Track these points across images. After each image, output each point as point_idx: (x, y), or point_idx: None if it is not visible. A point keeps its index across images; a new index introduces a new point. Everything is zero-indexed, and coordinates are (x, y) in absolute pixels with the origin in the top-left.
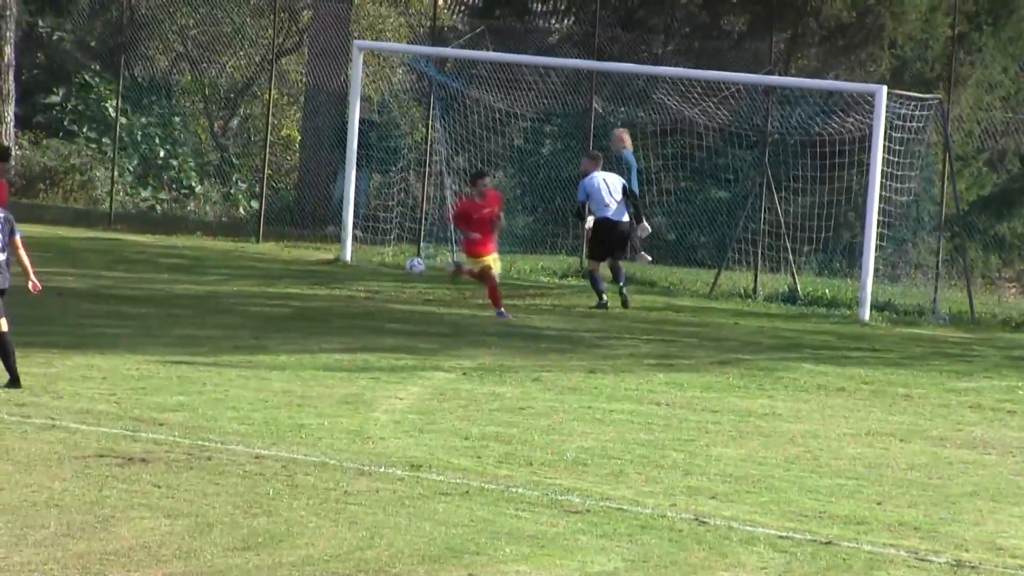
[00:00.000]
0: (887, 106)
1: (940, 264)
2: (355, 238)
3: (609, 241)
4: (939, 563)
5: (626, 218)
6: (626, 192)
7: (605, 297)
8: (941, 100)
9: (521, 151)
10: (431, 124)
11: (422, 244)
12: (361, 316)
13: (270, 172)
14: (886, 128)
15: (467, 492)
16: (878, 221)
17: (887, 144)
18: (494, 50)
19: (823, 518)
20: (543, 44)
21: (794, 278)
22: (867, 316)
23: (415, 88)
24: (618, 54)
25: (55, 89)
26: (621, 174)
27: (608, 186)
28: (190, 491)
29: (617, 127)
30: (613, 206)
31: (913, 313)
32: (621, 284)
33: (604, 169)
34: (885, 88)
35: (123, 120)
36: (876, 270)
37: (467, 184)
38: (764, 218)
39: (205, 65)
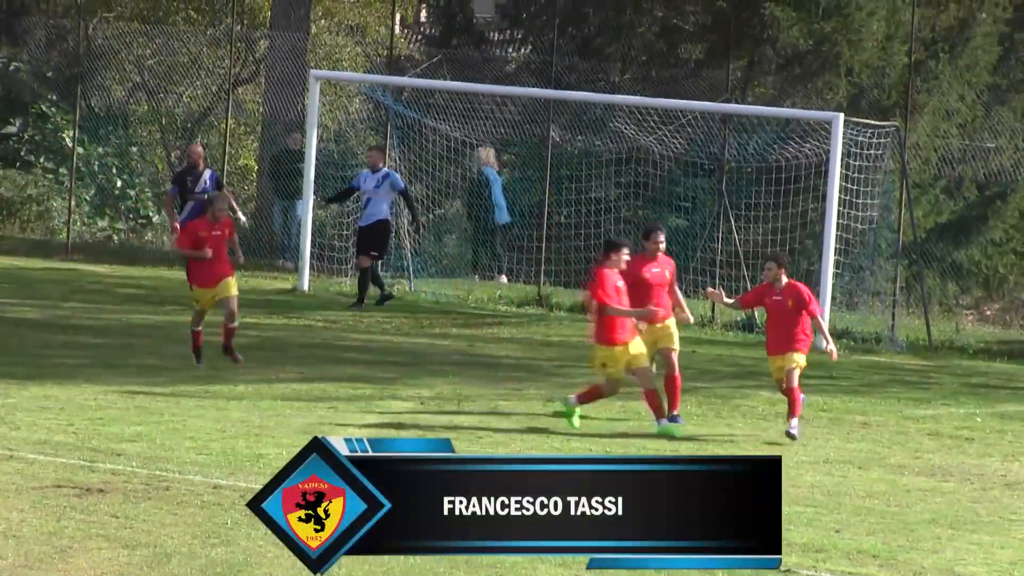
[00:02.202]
0: (844, 133)
1: (898, 291)
2: (290, 268)
3: (380, 239)
4: None
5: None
6: (402, 193)
7: (388, 289)
8: (898, 127)
9: (478, 180)
10: (388, 153)
11: (380, 272)
12: (319, 346)
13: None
14: (843, 156)
15: None
16: (836, 248)
17: (844, 172)
18: (451, 79)
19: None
20: (500, 73)
21: None
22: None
23: (372, 117)
24: (575, 82)
25: (11, 120)
26: (482, 188)
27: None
28: (148, 521)
29: (484, 146)
30: (383, 204)
31: (871, 340)
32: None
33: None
34: (842, 116)
35: (80, 150)
36: (833, 297)
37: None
38: (721, 246)
39: (162, 95)
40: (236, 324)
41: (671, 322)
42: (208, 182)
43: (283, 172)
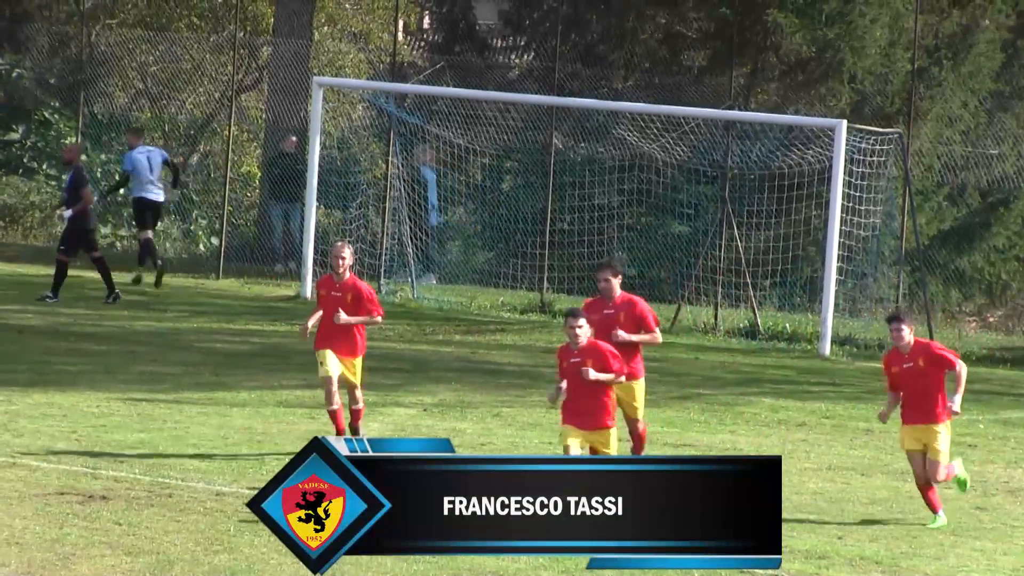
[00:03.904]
0: (847, 140)
1: (900, 298)
2: (281, 272)
3: (149, 217)
4: None
5: (163, 197)
6: (168, 164)
7: (161, 261)
8: (901, 134)
9: (481, 187)
10: (390, 160)
11: (381, 280)
12: None
13: (230, 208)
14: (846, 162)
15: None
16: (838, 255)
17: (847, 178)
18: (454, 86)
19: (785, 553)
20: (503, 80)
21: (754, 313)
22: (828, 350)
23: (375, 124)
24: (578, 89)
25: (14, 126)
26: (420, 188)
27: (150, 163)
28: (151, 528)
29: (422, 145)
30: (155, 184)
31: (874, 347)
32: (159, 261)
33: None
34: (845, 122)
35: (83, 157)
36: (837, 304)
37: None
38: (724, 253)
39: (165, 102)
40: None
41: (637, 384)
42: (67, 182)
43: (280, 176)
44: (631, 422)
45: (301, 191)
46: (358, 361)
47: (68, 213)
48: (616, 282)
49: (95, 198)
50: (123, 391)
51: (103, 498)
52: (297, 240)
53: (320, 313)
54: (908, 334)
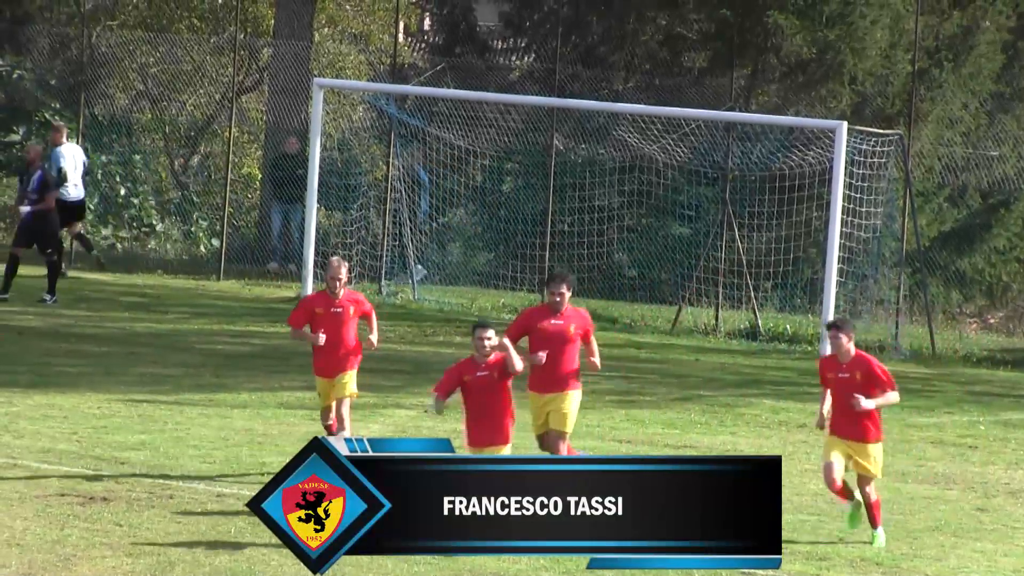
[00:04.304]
0: (848, 142)
1: (901, 299)
2: (274, 270)
3: (67, 215)
4: None
5: (81, 195)
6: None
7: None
8: (902, 136)
9: (481, 189)
10: (391, 162)
11: (383, 281)
12: None
13: (231, 210)
14: (847, 164)
15: None
16: (839, 257)
17: (848, 180)
18: (454, 87)
19: (785, 554)
20: (504, 81)
21: (755, 314)
22: (828, 352)
23: (376, 126)
24: (578, 91)
25: (15, 128)
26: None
27: (75, 162)
28: (152, 530)
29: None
30: (76, 185)
31: (874, 348)
32: (94, 252)
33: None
34: (846, 124)
35: (84, 160)
36: (837, 306)
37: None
38: (724, 255)
39: (165, 103)
40: (344, 431)
41: (570, 395)
42: (35, 183)
43: (281, 177)
44: (553, 439)
45: (302, 192)
46: (354, 372)
47: (26, 209)
48: (568, 295)
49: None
50: (124, 392)
51: (104, 499)
52: (296, 241)
53: (323, 333)
54: (846, 342)
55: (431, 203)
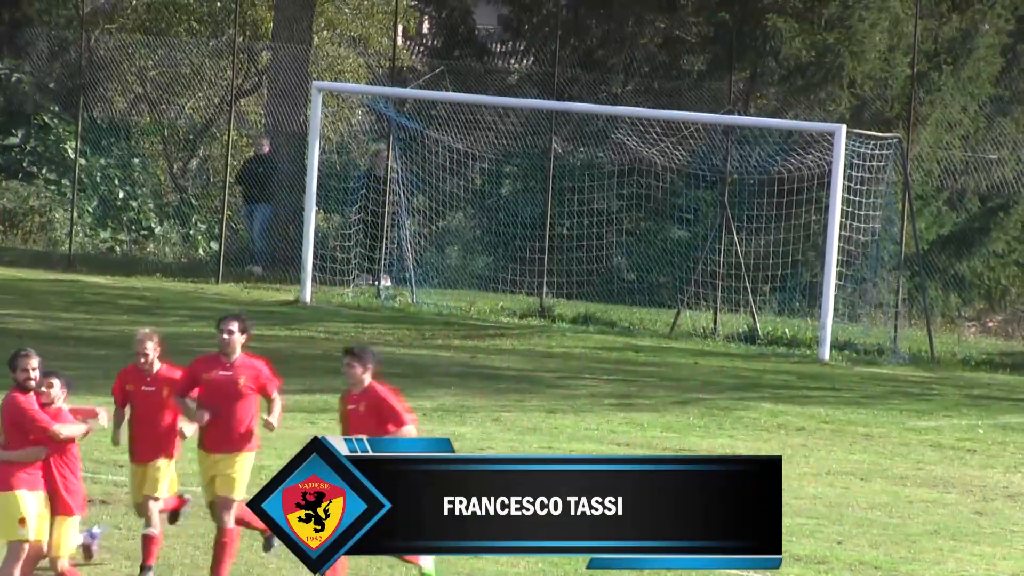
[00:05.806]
0: (846, 145)
1: (900, 303)
2: (258, 273)
3: None
4: None
5: None
6: None
7: None
8: (900, 139)
9: (480, 192)
10: (389, 165)
11: (381, 284)
12: (321, 357)
13: (229, 213)
14: (845, 167)
15: None
16: (838, 260)
17: (847, 183)
18: (453, 90)
19: (784, 557)
20: (502, 84)
21: (754, 318)
22: (827, 355)
23: (374, 129)
24: (577, 94)
25: (13, 131)
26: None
27: None
28: None
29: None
30: None
31: (873, 352)
32: None
33: None
34: (844, 127)
35: (82, 161)
36: (836, 309)
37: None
38: (723, 258)
39: (164, 106)
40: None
41: (241, 459)
42: None
43: (253, 178)
44: (219, 507)
45: (276, 192)
46: (171, 463)
47: None
48: (241, 339)
49: None
50: None
51: (103, 503)
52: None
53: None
54: (360, 372)
55: (418, 222)
